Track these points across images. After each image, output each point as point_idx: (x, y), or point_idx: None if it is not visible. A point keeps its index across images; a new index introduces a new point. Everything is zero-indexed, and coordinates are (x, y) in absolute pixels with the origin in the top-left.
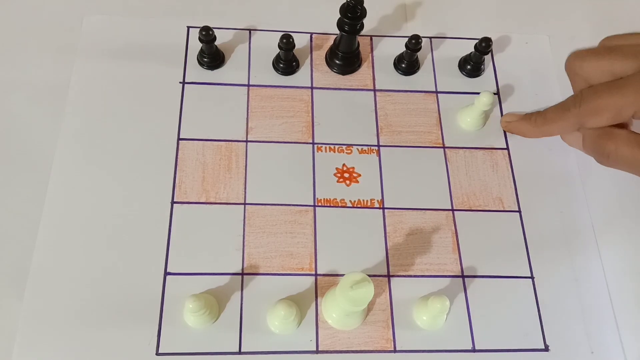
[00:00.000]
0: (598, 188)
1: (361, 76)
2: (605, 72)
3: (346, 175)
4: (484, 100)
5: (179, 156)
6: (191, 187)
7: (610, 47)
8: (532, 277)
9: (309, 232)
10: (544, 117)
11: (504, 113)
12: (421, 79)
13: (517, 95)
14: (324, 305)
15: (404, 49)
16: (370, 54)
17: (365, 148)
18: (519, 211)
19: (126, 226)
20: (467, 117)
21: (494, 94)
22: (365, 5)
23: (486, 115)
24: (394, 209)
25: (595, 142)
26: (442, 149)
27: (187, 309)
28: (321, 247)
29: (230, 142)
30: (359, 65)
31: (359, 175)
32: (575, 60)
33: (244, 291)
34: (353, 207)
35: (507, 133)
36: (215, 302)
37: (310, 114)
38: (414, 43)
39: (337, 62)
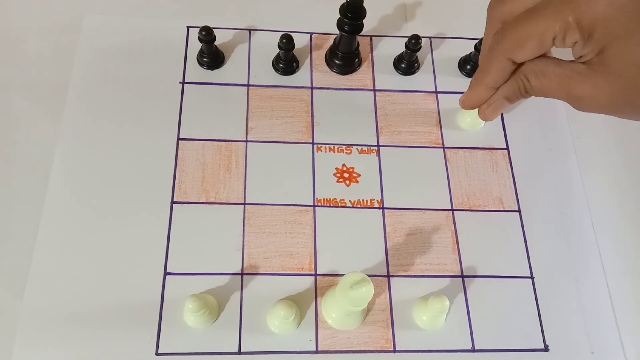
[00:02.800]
0: (598, 188)
1: (361, 76)
2: (529, 6)
3: (346, 175)
4: None
5: (178, 156)
6: (191, 187)
7: None
8: (532, 277)
9: (308, 232)
10: (479, 70)
11: (504, 114)
12: (421, 79)
13: None
14: (323, 305)
15: (404, 49)
16: (370, 54)
17: (365, 148)
18: (519, 211)
19: (126, 226)
20: (466, 117)
21: None
22: (365, 5)
23: None
24: (394, 209)
25: (561, 86)
26: (442, 149)
27: (187, 309)
28: (321, 247)
29: (230, 142)
30: (359, 65)
31: (359, 175)
32: (497, 5)
33: (244, 291)
34: (353, 207)
35: (507, 133)
36: (215, 302)
37: (310, 114)
38: (413, 43)
39: (337, 62)
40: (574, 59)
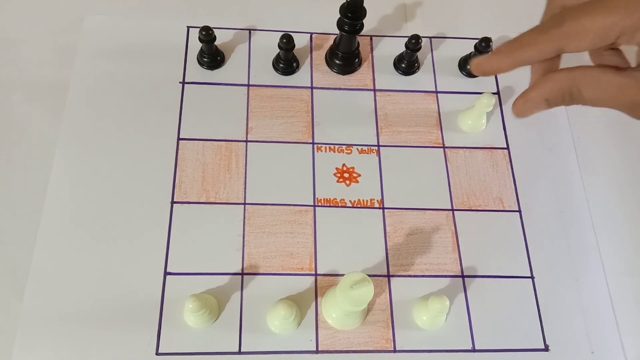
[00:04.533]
0: (598, 188)
1: (361, 76)
2: None
3: (346, 175)
4: (485, 101)
5: (179, 156)
6: (191, 187)
7: None
8: (532, 277)
9: (309, 232)
10: (519, 41)
11: (504, 113)
12: (421, 79)
13: (518, 94)
14: (324, 305)
15: (404, 49)
16: (370, 54)
17: (365, 148)
18: (519, 211)
19: (126, 226)
20: (468, 120)
21: (494, 93)
22: (365, 5)
23: (487, 116)
24: (394, 209)
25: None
26: (442, 149)
27: (187, 309)
28: (321, 247)
29: (230, 142)
30: (359, 65)
31: (359, 175)
32: None
33: (244, 291)
34: (353, 207)
35: (507, 133)
36: (215, 302)
37: (310, 114)
38: (413, 43)
39: (337, 62)
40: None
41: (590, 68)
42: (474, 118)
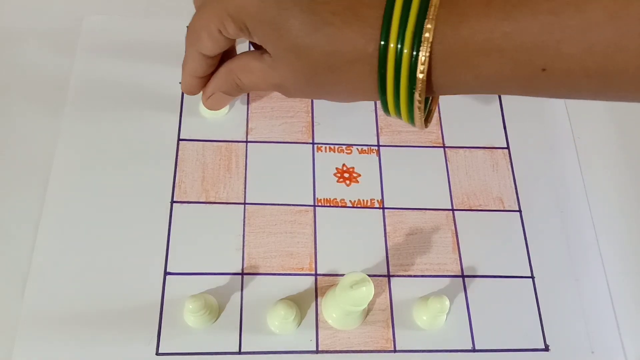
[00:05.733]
0: (598, 188)
1: None
2: None
3: (346, 175)
4: None
5: (179, 156)
6: (191, 187)
7: None
8: (532, 277)
9: (309, 232)
10: (185, 61)
11: (504, 113)
12: None
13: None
14: (324, 305)
15: None
16: None
17: (365, 148)
18: (520, 211)
19: (126, 226)
20: None
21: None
22: None
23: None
24: (394, 209)
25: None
26: (442, 149)
27: (187, 309)
28: (321, 247)
29: (230, 143)
30: None
31: (359, 175)
32: None
33: (244, 291)
34: (353, 207)
35: (508, 133)
36: (215, 302)
37: (310, 114)
38: None
39: None
40: None
41: (242, 56)
42: None
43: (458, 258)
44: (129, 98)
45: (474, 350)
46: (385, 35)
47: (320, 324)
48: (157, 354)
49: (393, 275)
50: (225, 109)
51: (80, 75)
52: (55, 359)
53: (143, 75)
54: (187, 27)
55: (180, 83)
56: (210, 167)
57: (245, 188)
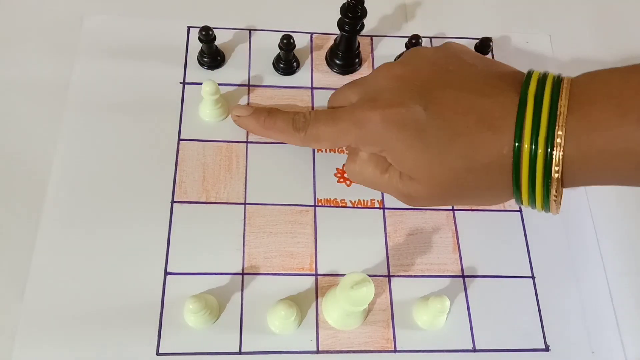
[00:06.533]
0: (599, 188)
1: (362, 76)
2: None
3: (346, 175)
4: (206, 89)
5: (179, 156)
6: (191, 187)
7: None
8: (532, 277)
9: (309, 232)
10: (273, 121)
11: None
12: None
13: None
14: (324, 305)
15: (404, 49)
16: (370, 54)
17: None
18: (520, 211)
19: (126, 226)
20: None
21: None
22: (365, 5)
23: None
24: (394, 209)
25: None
26: None
27: (188, 309)
28: (321, 247)
29: (230, 143)
30: (360, 66)
31: None
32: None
33: (244, 291)
34: (353, 207)
35: None
36: (215, 302)
37: None
38: (414, 43)
39: (338, 62)
40: None
41: (362, 168)
42: None
43: (458, 258)
44: (129, 98)
45: (474, 350)
46: (519, 138)
47: (320, 324)
48: (158, 354)
49: (393, 276)
50: (225, 114)
51: (80, 75)
52: (55, 359)
53: (143, 75)
54: (308, 120)
55: (231, 110)
56: (210, 167)
57: (245, 188)
